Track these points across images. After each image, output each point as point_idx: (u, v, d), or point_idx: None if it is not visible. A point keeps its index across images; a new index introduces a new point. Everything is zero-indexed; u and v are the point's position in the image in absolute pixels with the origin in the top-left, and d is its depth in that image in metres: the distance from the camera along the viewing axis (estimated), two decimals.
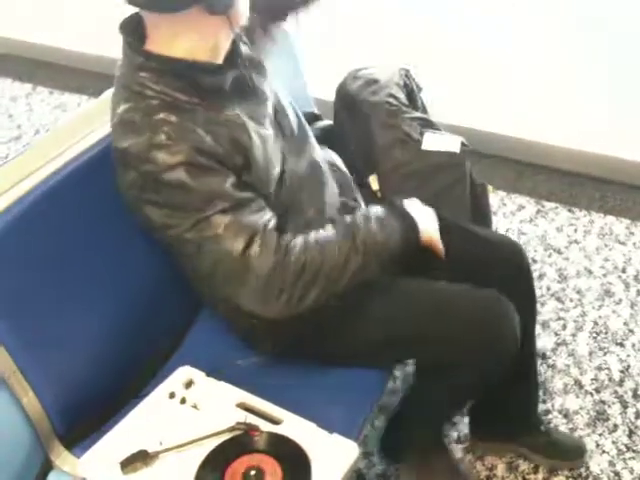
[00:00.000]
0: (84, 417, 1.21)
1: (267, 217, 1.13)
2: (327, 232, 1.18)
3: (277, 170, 1.20)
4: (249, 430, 1.12)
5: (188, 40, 1.11)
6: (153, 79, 1.09)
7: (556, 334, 1.94)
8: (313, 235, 1.16)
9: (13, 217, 1.09)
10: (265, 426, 1.14)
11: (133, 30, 1.14)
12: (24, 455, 1.14)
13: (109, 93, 1.19)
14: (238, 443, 1.11)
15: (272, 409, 1.17)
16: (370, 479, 1.62)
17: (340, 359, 1.33)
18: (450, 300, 1.31)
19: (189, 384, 1.23)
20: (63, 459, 1.18)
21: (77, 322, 1.18)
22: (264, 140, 1.18)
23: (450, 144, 1.57)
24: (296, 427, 1.14)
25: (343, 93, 1.65)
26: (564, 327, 1.96)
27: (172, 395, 1.21)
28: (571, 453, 1.64)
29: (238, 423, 1.13)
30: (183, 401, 1.20)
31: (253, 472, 1.06)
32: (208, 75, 1.14)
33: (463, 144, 1.58)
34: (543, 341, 1.92)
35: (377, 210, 1.24)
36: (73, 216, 1.17)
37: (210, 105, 1.12)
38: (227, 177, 1.09)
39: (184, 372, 1.26)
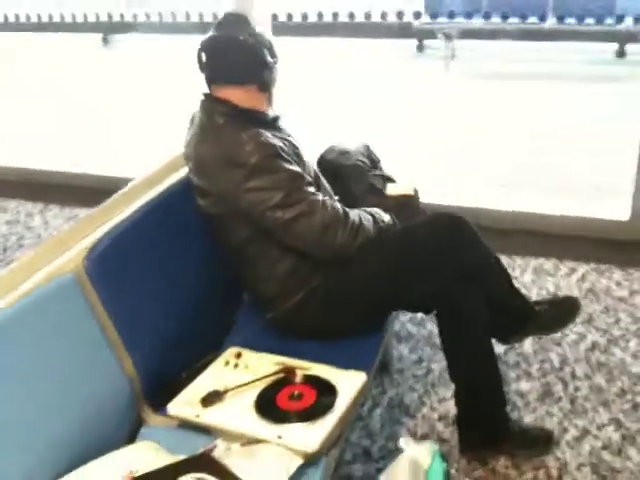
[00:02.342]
0: (165, 386, 1.63)
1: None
2: (366, 214, 1.82)
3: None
4: (289, 372, 1.58)
5: (247, 104, 1.76)
6: (229, 119, 1.73)
7: None
8: (358, 212, 1.81)
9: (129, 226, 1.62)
10: (299, 372, 1.59)
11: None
12: (124, 411, 1.55)
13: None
14: (283, 380, 1.56)
15: (302, 363, 1.63)
16: (374, 452, 2.01)
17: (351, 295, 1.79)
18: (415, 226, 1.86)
19: (239, 355, 1.69)
20: (151, 417, 1.60)
21: (162, 314, 1.64)
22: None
23: (406, 190, 2.14)
24: (321, 369, 1.59)
25: (323, 162, 2.21)
26: None
27: (227, 363, 1.67)
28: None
29: (280, 369, 1.59)
30: (236, 366, 1.65)
31: (296, 392, 1.51)
32: (264, 115, 1.79)
33: (416, 190, 2.16)
34: (497, 347, 2.40)
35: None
36: (162, 236, 1.70)
37: (271, 130, 1.75)
38: (299, 167, 1.72)
39: (233, 350, 1.71)
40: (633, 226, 2.97)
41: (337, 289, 1.77)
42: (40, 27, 8.44)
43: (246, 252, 1.79)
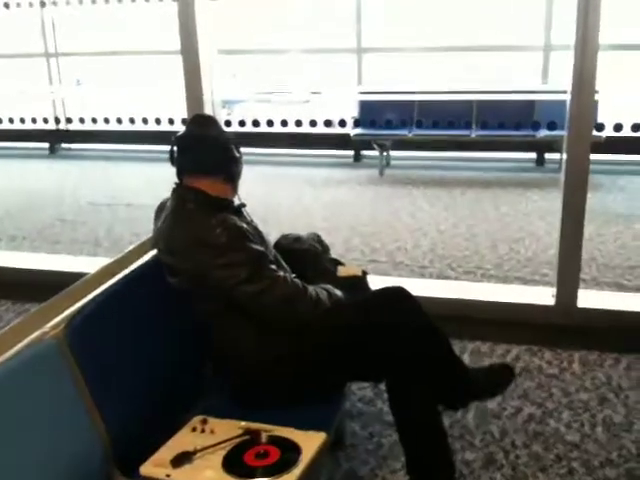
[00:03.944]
0: (135, 451, 1.71)
1: None
2: (321, 289, 2.00)
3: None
4: (254, 434, 1.70)
5: (215, 193, 1.96)
6: (199, 205, 1.91)
7: (450, 416, 2.58)
8: (314, 287, 2.00)
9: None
10: (264, 434, 1.71)
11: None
12: (96, 476, 1.62)
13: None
14: (249, 441, 1.68)
15: (265, 426, 1.75)
16: None
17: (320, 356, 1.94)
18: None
19: (204, 421, 1.79)
20: None
21: (134, 381, 1.74)
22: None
23: (354, 271, 2.35)
24: (284, 431, 1.72)
25: (278, 247, 2.40)
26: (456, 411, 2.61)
27: (194, 429, 1.77)
28: None
29: (245, 431, 1.70)
30: (203, 431, 1.76)
31: (262, 451, 1.63)
32: (231, 202, 1.99)
33: (364, 271, 2.37)
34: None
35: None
36: (136, 309, 1.84)
37: (236, 216, 1.93)
38: (262, 247, 1.91)
39: (198, 417, 1.82)
40: (558, 311, 3.25)
41: (300, 357, 1.92)
42: None
43: (214, 323, 1.93)
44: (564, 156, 3.10)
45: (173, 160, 1.99)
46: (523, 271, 4.09)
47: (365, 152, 7.28)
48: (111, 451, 1.66)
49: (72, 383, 1.59)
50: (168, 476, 1.58)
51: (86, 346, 1.64)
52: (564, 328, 3.19)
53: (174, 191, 2.00)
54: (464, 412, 2.61)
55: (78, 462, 1.57)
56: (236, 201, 2.06)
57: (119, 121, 5.35)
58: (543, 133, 6.29)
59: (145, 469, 1.62)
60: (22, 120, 6.17)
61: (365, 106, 6.98)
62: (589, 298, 3.31)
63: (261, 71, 9.74)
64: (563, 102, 3.02)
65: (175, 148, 1.97)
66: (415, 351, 1.94)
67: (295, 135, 7.28)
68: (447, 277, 4.05)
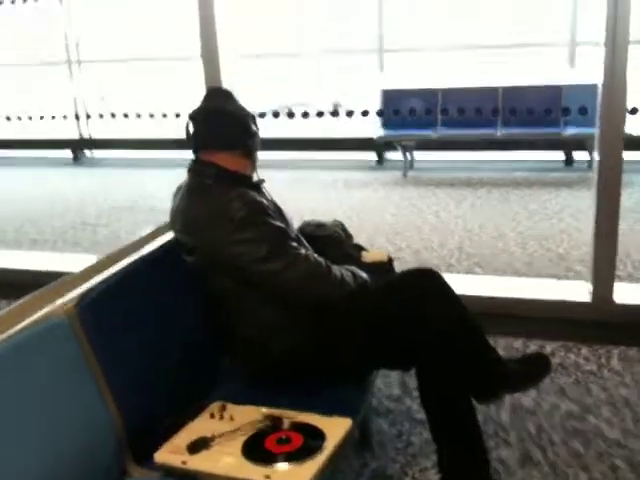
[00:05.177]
0: (149, 440, 1.61)
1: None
2: (345, 269, 1.90)
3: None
4: (275, 420, 1.59)
5: (233, 168, 1.87)
6: (217, 180, 1.83)
7: (483, 413, 2.44)
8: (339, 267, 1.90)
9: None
10: (286, 420, 1.60)
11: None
12: (108, 461, 1.52)
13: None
14: (270, 427, 1.57)
15: (287, 412, 1.63)
16: None
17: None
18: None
19: (223, 408, 1.69)
20: (134, 469, 1.56)
21: (148, 364, 1.65)
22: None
23: (380, 257, 2.24)
24: (307, 417, 1.60)
25: (301, 234, 2.31)
26: (489, 407, 2.47)
27: (212, 415, 1.67)
28: None
29: (266, 417, 1.60)
30: (221, 417, 1.65)
31: (284, 437, 1.52)
32: (249, 178, 1.91)
33: (389, 257, 2.26)
34: None
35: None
36: (151, 289, 1.76)
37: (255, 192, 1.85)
38: (283, 225, 1.82)
39: (217, 403, 1.71)
40: (595, 307, 3.10)
41: (324, 336, 1.82)
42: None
43: (233, 303, 1.83)
44: (595, 154, 2.98)
45: (189, 135, 1.90)
46: (554, 269, 3.94)
47: (388, 156, 7.16)
48: (125, 437, 1.56)
49: (83, 363, 1.50)
50: (184, 463, 1.48)
51: (98, 325, 1.55)
52: (601, 324, 3.04)
53: (191, 166, 1.92)
54: (497, 408, 2.48)
55: (88, 448, 1.47)
56: (255, 177, 1.97)
57: (138, 116, 5.32)
58: (570, 131, 6.11)
59: (160, 456, 1.52)
60: (41, 117, 6.11)
61: (388, 99, 6.78)
62: (626, 294, 3.16)
63: (279, 79, 9.67)
64: (590, 88, 2.90)
65: (191, 123, 1.89)
66: (447, 337, 1.81)
67: (317, 140, 7.22)
68: (475, 275, 3.91)
